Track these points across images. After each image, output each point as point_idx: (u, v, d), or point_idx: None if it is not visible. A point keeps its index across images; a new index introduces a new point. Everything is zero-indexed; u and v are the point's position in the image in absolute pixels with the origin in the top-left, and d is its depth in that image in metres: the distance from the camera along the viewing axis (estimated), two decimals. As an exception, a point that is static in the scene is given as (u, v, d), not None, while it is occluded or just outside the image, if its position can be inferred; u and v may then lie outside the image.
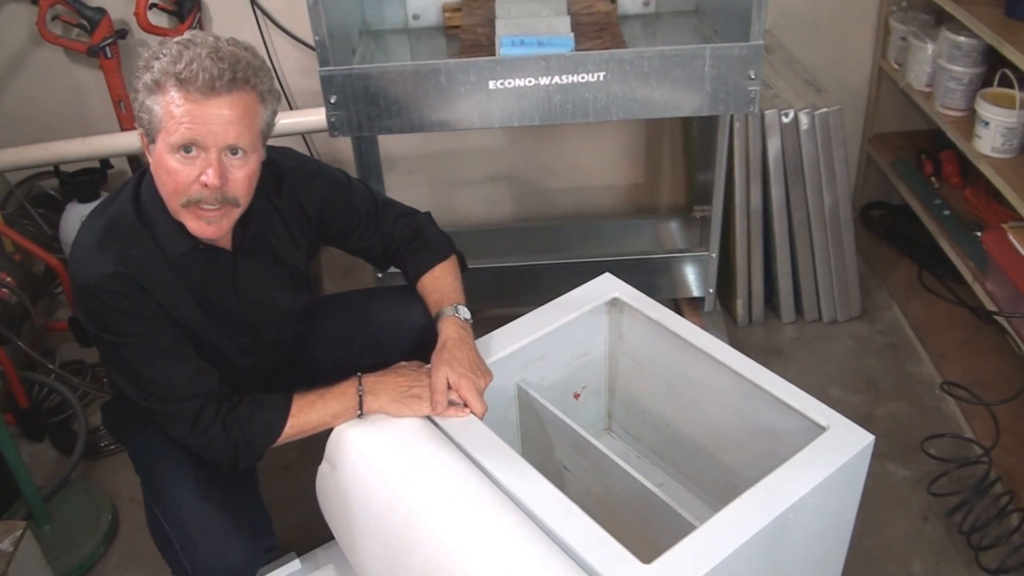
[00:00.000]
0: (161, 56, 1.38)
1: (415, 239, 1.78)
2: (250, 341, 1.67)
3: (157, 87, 1.37)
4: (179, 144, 1.38)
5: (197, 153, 1.39)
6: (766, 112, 2.44)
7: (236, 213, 1.48)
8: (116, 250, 1.45)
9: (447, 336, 1.61)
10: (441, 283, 1.74)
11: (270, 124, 1.49)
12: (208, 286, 1.56)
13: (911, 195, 2.79)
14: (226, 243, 1.56)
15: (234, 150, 1.42)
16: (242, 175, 1.44)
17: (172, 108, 1.37)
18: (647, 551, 1.28)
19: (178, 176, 1.40)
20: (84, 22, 2.59)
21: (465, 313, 1.67)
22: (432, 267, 1.76)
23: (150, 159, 1.45)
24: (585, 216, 3.16)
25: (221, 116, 1.38)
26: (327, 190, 1.69)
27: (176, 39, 1.40)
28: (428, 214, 1.84)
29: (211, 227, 1.46)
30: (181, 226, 1.48)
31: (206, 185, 1.40)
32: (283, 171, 1.63)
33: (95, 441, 2.41)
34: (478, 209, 3.15)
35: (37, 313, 2.55)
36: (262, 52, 2.70)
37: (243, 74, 1.39)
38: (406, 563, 1.41)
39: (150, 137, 1.42)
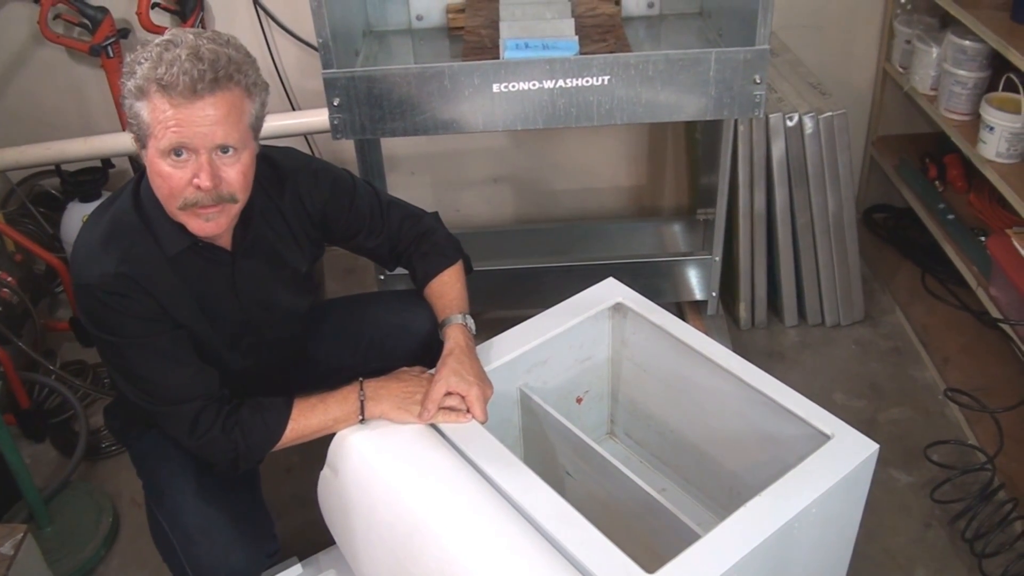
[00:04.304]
0: (143, 61, 1.36)
1: (424, 241, 1.77)
2: (251, 341, 1.66)
3: (141, 93, 1.36)
4: (168, 149, 1.37)
5: (187, 156, 1.38)
6: (770, 116, 2.43)
7: (235, 209, 1.47)
8: (117, 250, 1.45)
9: (455, 343, 1.61)
10: (450, 288, 1.73)
11: (259, 117, 1.47)
12: (208, 285, 1.56)
13: (915, 199, 2.79)
14: (226, 243, 1.55)
15: (224, 149, 1.41)
16: (235, 172, 1.43)
17: (158, 114, 1.36)
18: (650, 558, 1.27)
19: (171, 180, 1.40)
20: (86, 21, 2.58)
21: (471, 323, 1.67)
22: (441, 271, 1.75)
23: (145, 162, 1.44)
24: (588, 218, 3.16)
25: (207, 117, 1.36)
26: (330, 189, 1.68)
27: (157, 40, 1.39)
28: (435, 215, 1.83)
29: (211, 224, 1.45)
30: (179, 224, 1.47)
31: (199, 188, 1.39)
32: (285, 171, 1.63)
33: (96, 442, 2.40)
34: (481, 210, 3.15)
35: (38, 313, 2.55)
36: (263, 52, 2.76)
37: (225, 71, 1.37)
38: (408, 569, 1.40)
39: (141, 142, 1.41)
